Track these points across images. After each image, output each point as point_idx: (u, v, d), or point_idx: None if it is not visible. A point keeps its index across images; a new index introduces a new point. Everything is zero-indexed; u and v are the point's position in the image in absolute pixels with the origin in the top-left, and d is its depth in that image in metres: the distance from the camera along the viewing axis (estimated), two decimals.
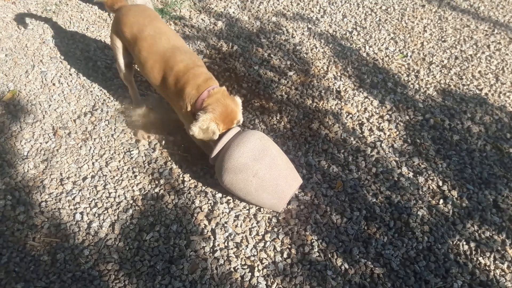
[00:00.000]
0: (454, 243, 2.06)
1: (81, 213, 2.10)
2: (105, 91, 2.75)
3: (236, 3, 3.67)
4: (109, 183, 2.23)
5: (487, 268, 1.99)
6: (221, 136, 2.04)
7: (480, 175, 2.37)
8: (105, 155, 2.36)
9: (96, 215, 2.10)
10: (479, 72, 3.04)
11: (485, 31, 3.44)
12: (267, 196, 1.99)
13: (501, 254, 2.04)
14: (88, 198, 2.16)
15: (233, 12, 3.55)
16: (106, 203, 2.14)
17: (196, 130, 1.98)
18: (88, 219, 2.08)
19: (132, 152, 2.38)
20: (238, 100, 2.14)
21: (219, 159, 2.02)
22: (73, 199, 2.16)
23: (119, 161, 2.34)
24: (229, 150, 1.97)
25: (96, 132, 2.48)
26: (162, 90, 2.20)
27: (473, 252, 2.04)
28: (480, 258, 2.02)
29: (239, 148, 1.95)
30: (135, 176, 2.27)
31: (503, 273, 1.98)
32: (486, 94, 2.87)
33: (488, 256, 2.03)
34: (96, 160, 2.34)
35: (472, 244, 2.06)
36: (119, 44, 2.33)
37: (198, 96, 2.03)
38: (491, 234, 2.12)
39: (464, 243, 2.07)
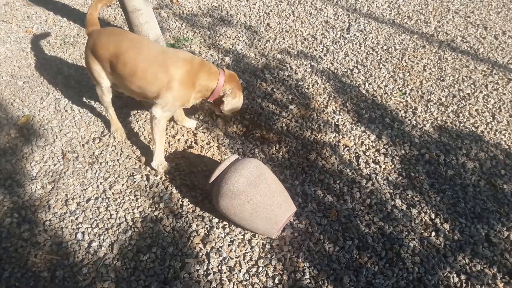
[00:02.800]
0: (444, 275, 2.09)
1: (83, 232, 2.19)
2: None
3: (244, 40, 3.86)
4: (111, 205, 2.33)
5: None
6: (219, 163, 2.14)
7: (473, 209, 2.42)
8: (109, 179, 2.48)
9: (97, 235, 2.18)
10: (476, 110, 3.13)
11: (484, 72, 3.55)
12: (261, 222, 2.06)
13: (491, 287, 2.06)
14: (90, 218, 2.26)
15: (241, 49, 3.74)
16: (107, 224, 2.24)
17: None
18: (89, 238, 2.17)
19: (135, 177, 2.49)
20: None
21: (216, 184, 2.11)
22: (76, 219, 2.25)
23: (122, 185, 2.44)
24: (226, 176, 2.06)
25: (103, 157, 2.61)
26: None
27: (463, 285, 2.06)
28: None
29: (235, 175, 2.04)
30: (137, 199, 2.37)
31: None
32: (482, 131, 2.94)
33: None
34: (101, 183, 2.45)
35: (463, 277, 2.09)
36: (97, 67, 2.41)
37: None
38: (482, 268, 2.14)
39: (455, 275, 2.09)
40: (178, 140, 2.76)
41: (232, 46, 3.77)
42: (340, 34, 3.99)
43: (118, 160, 2.59)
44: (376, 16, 4.28)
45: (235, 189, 2.02)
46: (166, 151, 2.67)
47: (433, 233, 2.28)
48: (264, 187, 2.05)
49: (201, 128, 2.85)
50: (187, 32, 3.95)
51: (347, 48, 3.78)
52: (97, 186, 2.43)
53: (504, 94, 3.32)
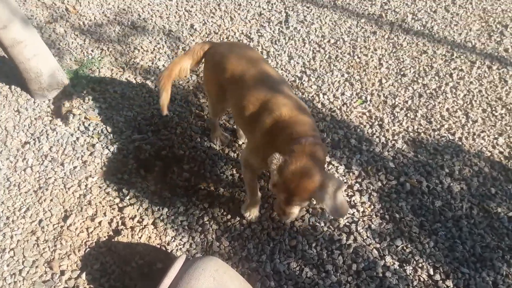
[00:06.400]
0: None
1: None
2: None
3: (165, 52, 3.15)
4: None
5: None
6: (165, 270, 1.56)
7: (472, 250, 2.04)
8: None
9: None
10: (447, 110, 2.73)
11: (444, 56, 3.15)
12: None
13: None
14: None
15: (163, 65, 3.03)
16: None
17: None
18: None
19: None
20: None
21: None
22: None
23: None
24: None
25: None
26: None
27: None
28: None
29: None
30: None
31: None
32: (460, 138, 2.55)
33: None
34: None
35: None
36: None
37: None
38: None
39: None
40: (99, 223, 2.09)
41: (152, 63, 3.05)
42: (279, 29, 3.38)
43: (20, 272, 1.90)
44: (315, 0, 3.70)
45: None
46: (86, 243, 2.01)
47: None
48: None
49: (127, 197, 2.20)
50: (92, 50, 3.14)
51: (289, 48, 3.20)
52: None
53: (471, 82, 2.94)
